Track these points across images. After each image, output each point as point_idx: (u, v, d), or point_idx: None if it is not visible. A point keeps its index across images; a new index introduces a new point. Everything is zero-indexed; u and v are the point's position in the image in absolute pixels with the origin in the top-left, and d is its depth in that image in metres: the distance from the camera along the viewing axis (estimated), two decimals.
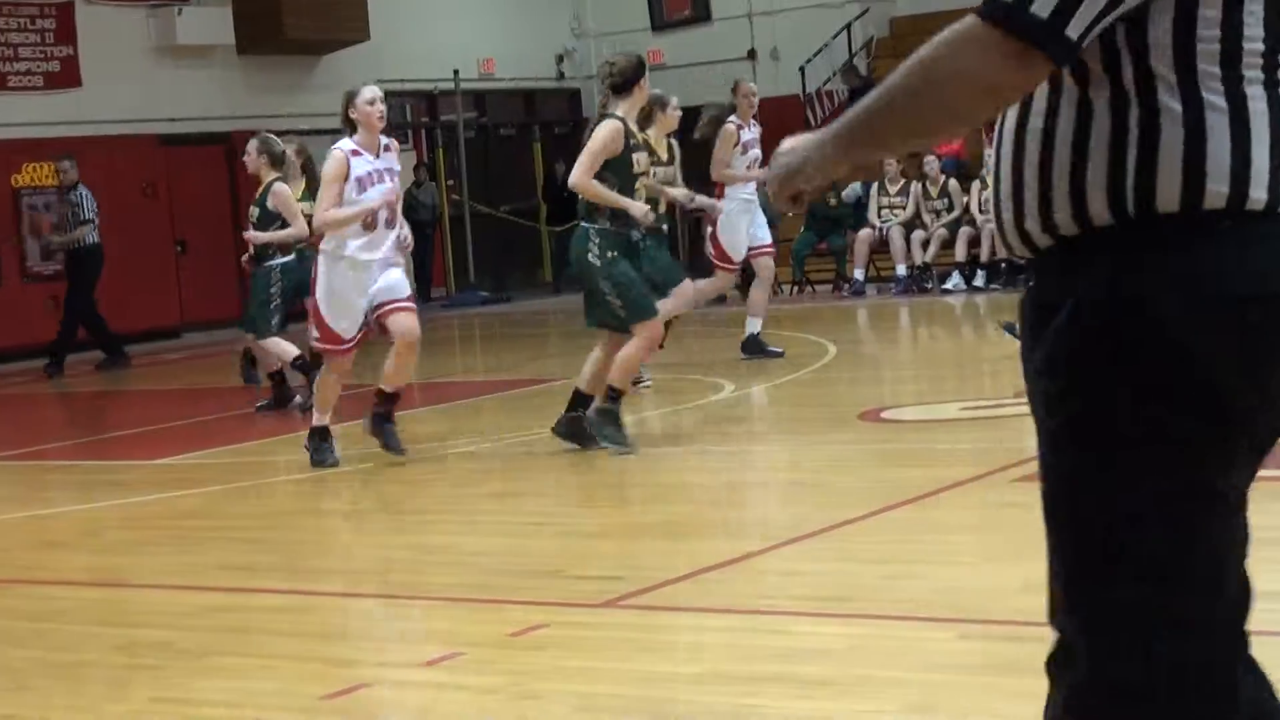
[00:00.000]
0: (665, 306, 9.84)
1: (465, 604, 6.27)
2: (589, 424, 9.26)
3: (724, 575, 6.31)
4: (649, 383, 11.97)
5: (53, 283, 20.08)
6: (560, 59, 26.45)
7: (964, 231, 18.83)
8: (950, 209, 19.17)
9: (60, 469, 10.90)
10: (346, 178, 9.33)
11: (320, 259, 9.59)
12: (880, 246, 19.52)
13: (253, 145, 12.40)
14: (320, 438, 9.56)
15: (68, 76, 20.52)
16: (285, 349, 12.22)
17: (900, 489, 7.64)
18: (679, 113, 12.09)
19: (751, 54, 25.26)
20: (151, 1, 21.33)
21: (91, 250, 17.89)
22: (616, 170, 9.21)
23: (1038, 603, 2.56)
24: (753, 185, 13.51)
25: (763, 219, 13.66)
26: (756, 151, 13.71)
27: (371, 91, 9.49)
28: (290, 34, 21.92)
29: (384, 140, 9.57)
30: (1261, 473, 2.48)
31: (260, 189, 12.26)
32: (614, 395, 9.26)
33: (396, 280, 9.63)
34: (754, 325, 13.49)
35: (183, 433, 12.30)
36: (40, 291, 19.98)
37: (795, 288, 20.20)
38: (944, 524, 6.98)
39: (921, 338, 16.31)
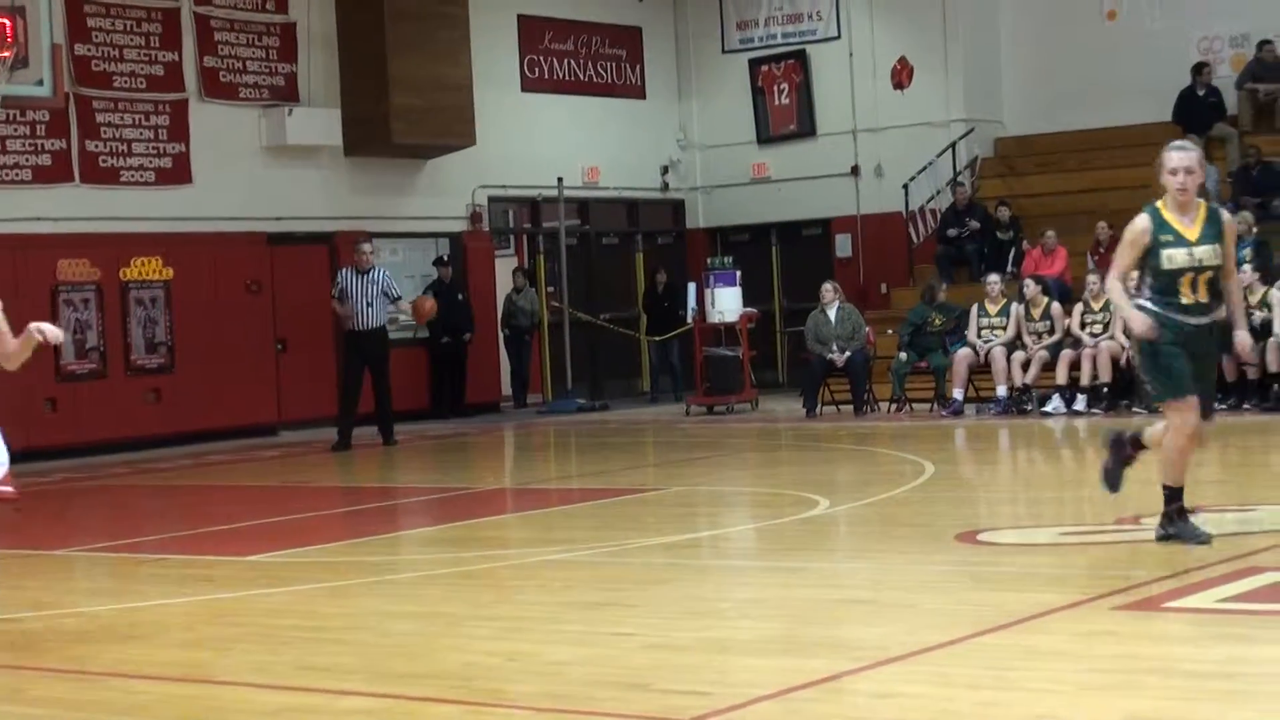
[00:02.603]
0: None
1: (548, 713, 6.18)
2: None
3: (814, 695, 6.19)
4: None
5: (156, 375, 20.31)
6: (665, 170, 26.58)
7: (1065, 354, 18.64)
8: (1052, 331, 19.00)
9: (153, 562, 10.91)
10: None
11: None
12: (980, 367, 19.36)
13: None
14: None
15: (179, 173, 20.81)
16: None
17: (996, 613, 7.49)
18: None
19: (855, 170, 25.29)
20: (263, 101, 21.65)
21: (385, 329, 18.94)
22: None
23: None
24: None
25: None
26: None
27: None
28: (397, 138, 22.15)
29: None
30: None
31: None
32: None
33: None
34: None
35: (275, 530, 12.31)
36: (141, 385, 20.18)
37: (894, 405, 20.04)
38: (1041, 650, 6.83)
39: (1020, 460, 16.12)
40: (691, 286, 23.36)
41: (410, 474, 16.94)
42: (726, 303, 21.95)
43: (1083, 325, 18.78)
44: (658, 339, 24.61)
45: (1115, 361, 18.30)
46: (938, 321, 20.04)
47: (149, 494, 16.16)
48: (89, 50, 20.02)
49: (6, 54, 17.09)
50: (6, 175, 19.29)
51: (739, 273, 22.32)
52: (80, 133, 19.90)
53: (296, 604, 8.86)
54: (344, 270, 18.98)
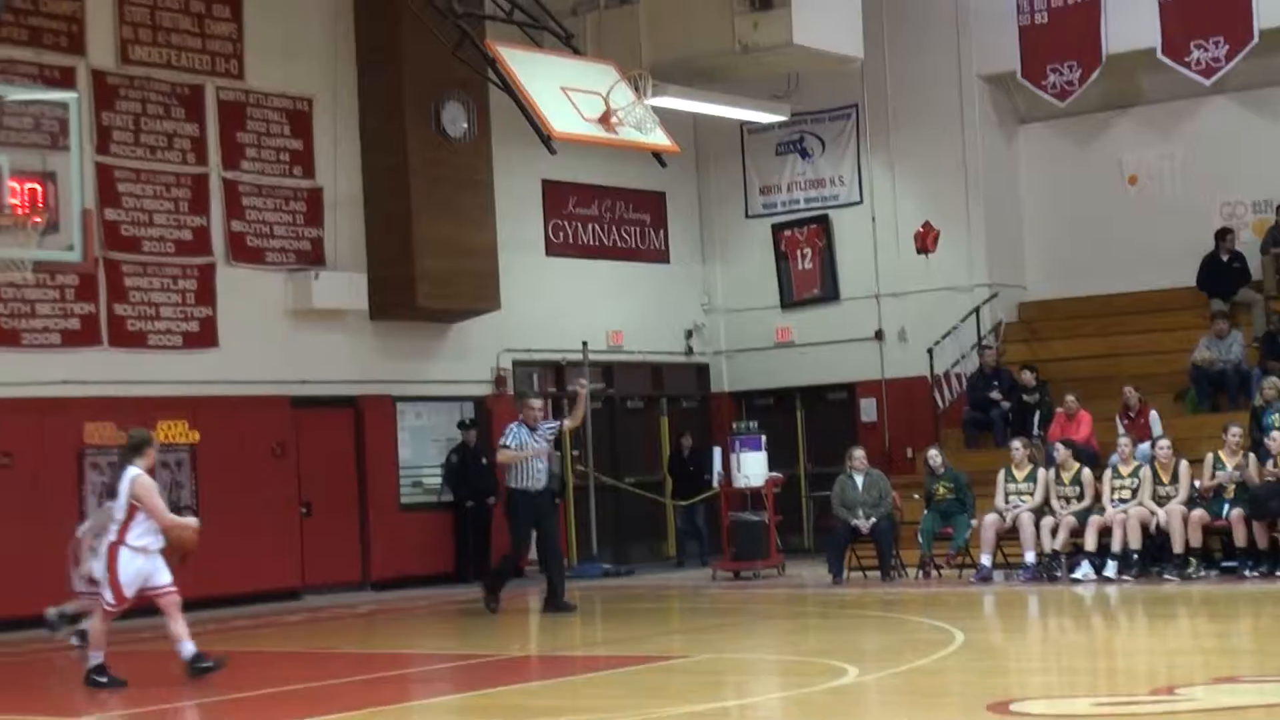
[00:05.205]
0: None
1: None
2: None
3: None
4: None
5: None
6: (689, 334, 26.65)
7: (1094, 520, 18.50)
8: (1081, 497, 18.87)
9: None
10: None
11: None
12: (1008, 532, 19.21)
13: None
14: None
15: (205, 336, 20.89)
16: None
17: None
18: None
19: (879, 334, 25.33)
20: (289, 265, 21.77)
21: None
22: None
23: None
24: None
25: None
26: None
27: None
28: (422, 301, 22.23)
29: None
30: None
31: None
32: None
33: None
34: None
35: (299, 696, 12.18)
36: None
37: (921, 571, 19.84)
38: None
39: (1051, 628, 15.94)
40: (716, 451, 23.31)
41: (434, 640, 16.79)
42: (752, 467, 21.88)
43: (1112, 491, 18.65)
44: (683, 503, 24.52)
45: (1145, 527, 18.16)
46: (942, 490, 19.91)
47: (172, 658, 16.02)
48: (119, 215, 20.19)
49: (38, 220, 17.21)
50: (36, 339, 19.37)
51: (764, 437, 22.29)
52: (109, 296, 20.01)
53: None
54: (513, 426, 18.52)
